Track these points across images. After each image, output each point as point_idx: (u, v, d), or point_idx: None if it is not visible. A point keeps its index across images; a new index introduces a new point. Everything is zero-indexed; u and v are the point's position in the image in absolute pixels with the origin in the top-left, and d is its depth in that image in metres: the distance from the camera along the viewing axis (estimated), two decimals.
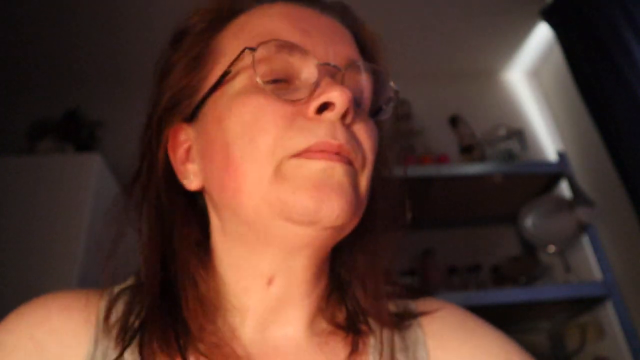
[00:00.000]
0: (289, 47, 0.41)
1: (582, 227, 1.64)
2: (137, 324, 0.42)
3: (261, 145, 0.39)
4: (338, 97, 0.39)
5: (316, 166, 0.39)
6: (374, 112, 0.46)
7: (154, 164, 0.46)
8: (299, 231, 0.39)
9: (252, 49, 0.40)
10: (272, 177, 0.39)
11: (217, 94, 0.43)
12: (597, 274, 1.65)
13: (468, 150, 1.87)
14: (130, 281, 0.47)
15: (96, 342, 0.42)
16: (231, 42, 0.44)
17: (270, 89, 0.40)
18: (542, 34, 2.08)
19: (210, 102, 0.44)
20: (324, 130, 0.39)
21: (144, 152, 0.47)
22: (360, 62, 0.44)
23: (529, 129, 2.12)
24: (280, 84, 0.42)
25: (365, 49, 0.49)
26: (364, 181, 0.42)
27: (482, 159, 1.84)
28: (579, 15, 1.72)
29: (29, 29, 1.86)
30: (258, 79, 0.40)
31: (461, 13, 1.98)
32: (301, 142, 0.39)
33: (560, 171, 1.74)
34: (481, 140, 1.90)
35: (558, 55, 1.99)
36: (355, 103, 0.43)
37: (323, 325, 0.46)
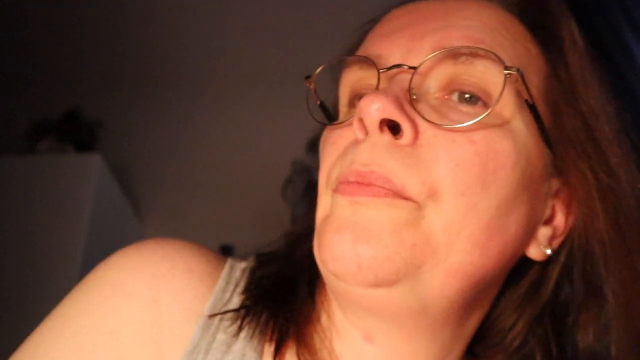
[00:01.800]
0: (355, 63, 0.35)
1: None
2: (253, 303, 0.36)
3: (321, 180, 0.34)
4: (363, 109, 0.30)
5: (342, 202, 0.31)
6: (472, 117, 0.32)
7: None
8: (343, 286, 0.31)
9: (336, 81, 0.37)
10: (326, 212, 0.33)
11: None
12: None
13: None
14: (250, 262, 0.41)
15: (212, 313, 0.36)
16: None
17: (323, 117, 0.35)
18: None
19: None
20: (355, 155, 0.31)
21: None
22: (456, 48, 0.32)
23: None
24: (349, 110, 0.36)
25: (537, 23, 0.37)
26: (438, 220, 0.30)
27: None
28: (579, 15, 1.72)
29: (29, 30, 1.86)
30: (316, 104, 0.35)
31: None
32: (336, 172, 0.32)
33: None
34: None
35: None
36: (467, 103, 0.32)
37: None
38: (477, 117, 0.30)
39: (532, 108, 0.32)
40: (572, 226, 0.35)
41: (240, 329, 0.35)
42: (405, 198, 0.30)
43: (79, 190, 1.39)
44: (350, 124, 0.32)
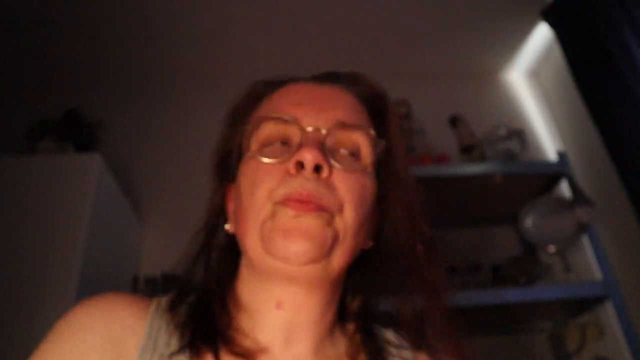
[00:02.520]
0: (284, 121, 0.53)
1: (582, 227, 1.64)
2: (185, 320, 0.53)
3: (258, 197, 0.50)
4: (307, 156, 0.48)
5: (289, 214, 0.48)
6: (362, 164, 0.55)
7: (216, 216, 0.60)
8: (280, 266, 0.49)
9: (256, 125, 0.55)
10: (263, 222, 0.50)
11: (242, 160, 0.56)
12: (597, 274, 1.65)
13: (468, 150, 1.87)
14: (171, 295, 0.57)
15: (150, 332, 0.52)
16: (255, 114, 0.58)
17: (267, 154, 0.52)
18: (542, 34, 2.08)
19: (240, 166, 0.56)
20: (297, 183, 0.49)
21: (209, 209, 0.61)
22: (347, 124, 0.54)
23: (529, 129, 2.12)
24: (275, 148, 0.53)
25: (375, 111, 0.59)
26: (342, 224, 0.50)
27: (482, 159, 1.84)
28: (579, 15, 1.72)
29: (29, 30, 1.86)
30: (256, 147, 0.54)
31: (461, 13, 1.98)
32: (281, 192, 0.49)
33: (560, 171, 1.74)
34: (481, 140, 1.90)
35: (558, 55, 1.99)
36: (328, 158, 0.51)
37: (330, 351, 0.55)
38: (359, 165, 0.54)
39: (378, 161, 0.56)
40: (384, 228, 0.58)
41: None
42: (325, 210, 0.49)
43: (79, 190, 1.38)
44: (283, 161, 0.51)
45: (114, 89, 2.14)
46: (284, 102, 0.56)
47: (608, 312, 1.63)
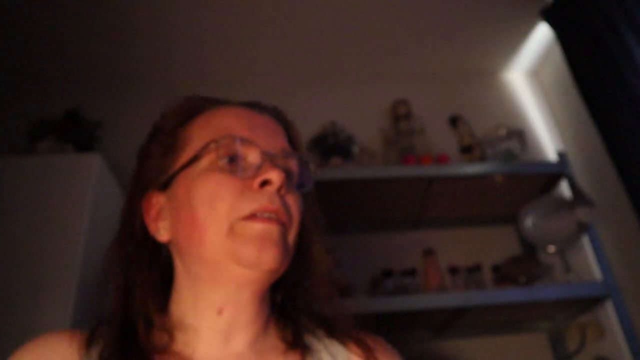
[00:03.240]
0: (241, 140, 0.58)
1: (582, 227, 1.64)
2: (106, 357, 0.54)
3: (220, 209, 0.54)
4: (275, 176, 0.55)
5: (259, 227, 0.54)
6: (299, 186, 0.62)
7: (133, 223, 0.61)
8: (246, 272, 0.54)
9: (216, 142, 0.58)
10: (227, 233, 0.54)
11: (187, 170, 0.58)
12: (597, 274, 1.65)
13: (468, 150, 1.87)
14: (90, 329, 0.59)
15: None
16: (198, 133, 0.61)
17: (228, 169, 0.56)
18: (542, 34, 2.08)
19: (181, 176, 0.59)
20: (265, 198, 0.55)
21: (125, 216, 0.63)
22: (290, 151, 0.62)
23: (529, 129, 2.12)
24: (233, 165, 0.57)
25: (292, 139, 0.67)
26: (291, 236, 0.58)
27: (482, 159, 1.84)
28: (579, 15, 1.72)
29: (29, 30, 1.86)
30: (220, 163, 0.57)
31: (461, 13, 1.98)
32: (248, 207, 0.54)
33: (560, 171, 1.74)
34: (481, 140, 1.90)
35: (558, 55, 1.99)
36: (287, 180, 0.57)
37: (264, 344, 0.60)
38: (301, 188, 0.62)
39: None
40: None
41: None
42: (283, 225, 0.56)
43: (79, 190, 1.38)
44: (245, 178, 0.56)
45: (114, 89, 2.14)
46: (234, 123, 0.61)
47: (608, 312, 1.63)
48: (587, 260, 1.75)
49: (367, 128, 2.05)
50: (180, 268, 0.60)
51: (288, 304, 0.64)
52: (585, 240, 1.72)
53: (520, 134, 1.87)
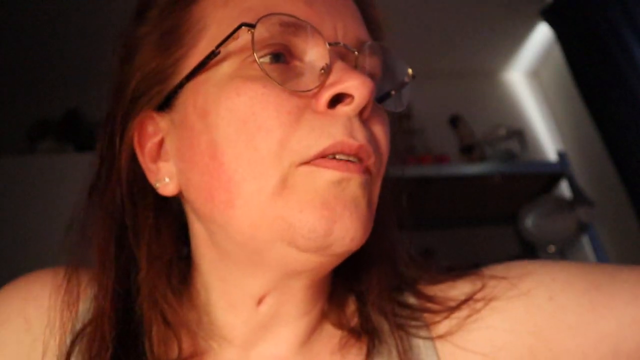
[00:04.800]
0: (294, 24, 0.33)
1: (582, 227, 1.64)
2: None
3: (262, 148, 0.32)
4: (359, 87, 0.32)
5: (331, 177, 0.32)
6: (380, 99, 0.38)
7: (116, 163, 0.39)
8: (303, 258, 0.33)
9: (251, 26, 0.32)
10: (276, 190, 0.32)
11: (200, 78, 0.35)
12: None
13: (468, 150, 1.87)
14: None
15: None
16: (216, 14, 0.35)
17: (273, 75, 0.32)
18: (542, 34, 2.08)
19: (189, 88, 0.35)
20: (340, 129, 0.32)
21: (103, 150, 0.41)
22: (373, 43, 0.37)
23: (529, 129, 2.12)
24: (281, 67, 0.33)
25: (371, 26, 0.41)
26: (377, 189, 0.36)
27: (482, 159, 1.84)
28: (579, 15, 1.72)
29: (29, 29, 1.86)
30: (259, 63, 0.32)
31: (461, 13, 1.98)
32: (314, 144, 0.32)
33: (560, 171, 1.74)
34: (481, 140, 1.90)
35: (558, 55, 1.99)
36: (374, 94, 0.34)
37: (318, 346, 0.40)
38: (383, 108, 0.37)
39: None
40: None
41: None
42: (369, 173, 0.34)
43: (79, 190, 1.38)
44: (303, 91, 0.33)
45: None
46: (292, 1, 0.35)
47: None
48: (587, 260, 1.75)
49: None
50: (202, 234, 0.38)
51: (356, 284, 0.42)
52: (585, 240, 1.72)
53: (520, 134, 1.87)
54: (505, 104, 2.23)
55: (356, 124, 0.33)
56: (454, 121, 1.98)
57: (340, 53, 0.35)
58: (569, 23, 1.77)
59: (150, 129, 0.39)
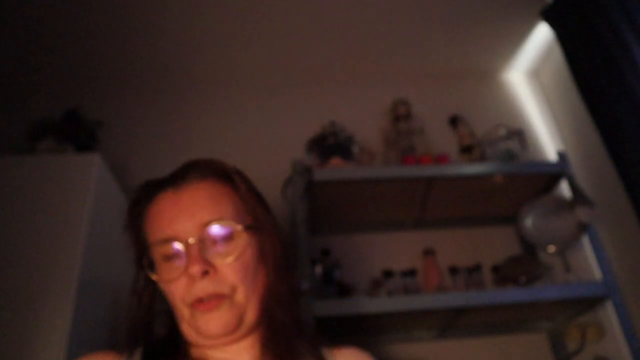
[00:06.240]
0: (166, 244, 0.65)
1: (582, 227, 1.64)
2: None
3: (176, 300, 0.66)
4: (192, 270, 0.63)
5: (201, 311, 0.64)
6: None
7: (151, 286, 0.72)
8: (207, 340, 0.66)
9: (147, 256, 0.68)
10: (187, 315, 0.66)
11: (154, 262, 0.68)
12: (597, 274, 1.65)
13: (468, 150, 1.87)
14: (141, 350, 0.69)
15: None
16: (145, 232, 0.69)
17: (165, 271, 0.66)
18: (542, 34, 2.08)
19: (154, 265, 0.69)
20: (198, 289, 0.64)
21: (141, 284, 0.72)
22: (211, 221, 0.66)
23: (529, 129, 2.12)
24: (172, 261, 0.65)
25: (233, 181, 0.72)
26: (240, 296, 0.65)
27: (482, 159, 1.84)
28: (579, 15, 1.72)
29: (29, 30, 1.86)
30: (154, 277, 0.68)
31: (461, 13, 1.98)
32: (189, 297, 0.64)
33: (560, 171, 1.74)
34: (481, 140, 1.90)
35: (558, 55, 1.99)
36: (207, 265, 0.64)
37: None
38: (233, 247, 0.67)
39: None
40: None
41: None
42: (225, 297, 0.65)
43: (79, 190, 1.38)
44: (180, 275, 0.65)
45: (114, 89, 2.14)
46: (159, 224, 0.67)
47: (608, 312, 1.63)
48: (587, 260, 1.75)
49: (367, 128, 2.05)
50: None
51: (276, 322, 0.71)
52: (585, 240, 1.72)
53: (520, 134, 1.87)
54: (505, 104, 2.24)
55: (204, 284, 0.64)
56: (454, 121, 1.98)
57: (192, 248, 0.65)
58: (569, 23, 1.77)
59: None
